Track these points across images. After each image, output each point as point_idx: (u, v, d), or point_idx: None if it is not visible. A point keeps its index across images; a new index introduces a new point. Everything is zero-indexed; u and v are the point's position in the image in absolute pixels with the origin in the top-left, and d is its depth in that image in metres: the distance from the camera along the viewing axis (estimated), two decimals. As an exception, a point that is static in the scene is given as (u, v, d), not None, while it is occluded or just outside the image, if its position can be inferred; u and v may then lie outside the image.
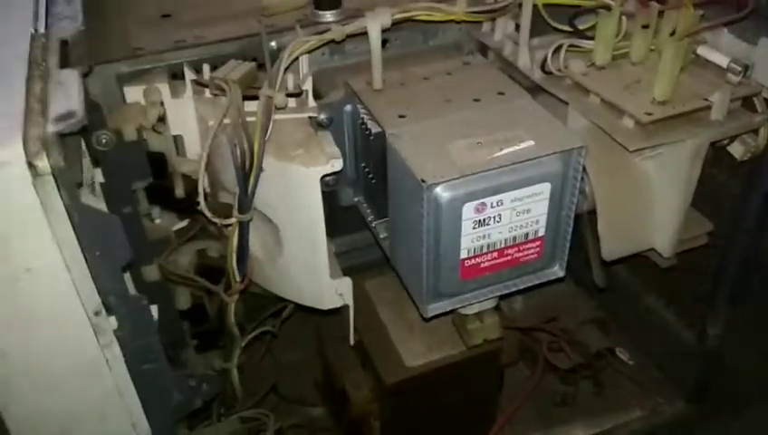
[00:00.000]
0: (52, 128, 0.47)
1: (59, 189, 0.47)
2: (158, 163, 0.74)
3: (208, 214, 0.65)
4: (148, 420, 0.61)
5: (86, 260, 0.51)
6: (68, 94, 0.51)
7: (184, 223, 0.80)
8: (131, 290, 0.56)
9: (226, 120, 0.63)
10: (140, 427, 0.61)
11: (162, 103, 0.71)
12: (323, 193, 0.83)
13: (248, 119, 0.66)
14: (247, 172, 0.63)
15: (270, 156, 0.67)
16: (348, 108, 0.77)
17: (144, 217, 0.77)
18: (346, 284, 0.76)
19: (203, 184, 0.68)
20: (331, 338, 0.92)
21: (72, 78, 0.54)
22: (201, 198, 0.64)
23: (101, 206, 0.62)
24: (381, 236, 0.78)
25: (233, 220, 0.65)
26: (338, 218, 0.90)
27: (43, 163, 0.46)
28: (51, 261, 0.50)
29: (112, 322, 0.55)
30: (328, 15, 0.78)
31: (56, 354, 0.54)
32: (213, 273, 0.78)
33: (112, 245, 0.51)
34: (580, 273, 1.07)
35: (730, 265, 0.86)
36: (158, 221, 0.79)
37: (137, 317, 0.55)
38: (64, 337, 0.54)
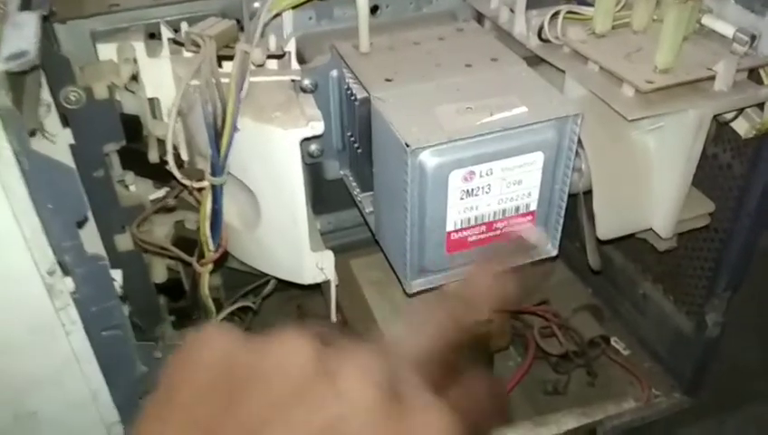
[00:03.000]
0: (0, 66, 0.44)
1: (6, 133, 0.43)
2: (133, 126, 0.70)
3: (178, 174, 0.61)
4: (110, 391, 0.58)
5: (38, 214, 0.47)
6: (23, 35, 0.47)
7: (161, 192, 0.77)
8: (95, 251, 0.52)
9: (200, 77, 0.59)
10: (101, 397, 0.57)
11: (136, 61, 0.68)
12: (308, 165, 0.80)
13: (225, 79, 0.62)
14: (220, 131, 0.59)
15: (247, 117, 0.63)
16: (334, 73, 0.73)
17: (118, 183, 0.74)
18: (328, 257, 0.72)
19: (175, 146, 0.64)
20: (314, 317, 0.89)
21: (30, 20, 0.50)
22: (169, 157, 0.60)
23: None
24: (367, 211, 0.75)
25: (205, 183, 0.61)
26: (324, 194, 0.86)
27: (-12, 103, 0.42)
28: (-1, 213, 0.46)
29: (69, 283, 0.51)
30: (315, -25, 0.75)
31: (7, 315, 0.51)
32: (191, 246, 0.75)
33: (66, 196, 0.47)
34: (575, 259, 1.04)
35: (731, 249, 0.82)
36: (132, 188, 0.76)
37: (95, 279, 0.51)
38: (16, 297, 0.50)
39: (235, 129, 0.60)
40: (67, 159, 0.66)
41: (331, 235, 0.91)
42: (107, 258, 0.51)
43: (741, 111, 0.72)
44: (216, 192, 0.62)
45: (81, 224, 0.49)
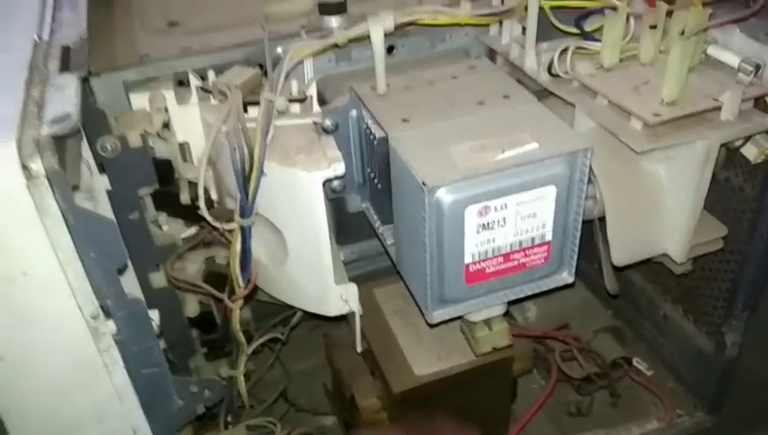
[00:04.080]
0: (46, 130, 0.48)
1: (53, 192, 0.47)
2: (164, 169, 0.74)
3: (209, 217, 0.65)
4: (150, 425, 0.61)
5: (82, 263, 0.51)
6: (64, 98, 0.52)
7: (192, 230, 0.81)
8: (134, 294, 0.55)
9: (228, 125, 0.63)
10: (141, 431, 0.60)
11: (167, 110, 0.72)
12: (331, 200, 0.83)
13: (251, 124, 0.66)
14: (248, 176, 0.63)
15: (272, 161, 0.67)
16: (353, 113, 0.76)
17: (151, 223, 0.78)
18: (351, 290, 0.76)
19: (205, 188, 0.68)
20: (340, 345, 0.91)
21: (70, 82, 0.54)
22: (201, 202, 0.64)
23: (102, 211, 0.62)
24: (388, 243, 0.78)
25: (234, 225, 0.65)
26: (347, 226, 0.89)
27: (36, 165, 0.46)
28: (46, 264, 0.50)
29: (111, 326, 0.54)
30: (333, 21, 0.78)
31: (54, 358, 0.54)
32: (221, 281, 0.78)
33: (108, 247, 0.51)
34: (594, 281, 1.05)
35: (747, 271, 0.84)
36: (165, 228, 0.80)
37: (135, 321, 0.55)
38: (62, 340, 0.54)
39: (261, 174, 0.63)
40: (104, 204, 0.71)
41: (355, 264, 0.94)
42: (144, 301, 0.54)
43: (749, 137, 0.74)
44: (245, 233, 0.66)
45: (121, 271, 0.53)
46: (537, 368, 1.03)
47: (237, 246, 0.66)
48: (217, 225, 0.66)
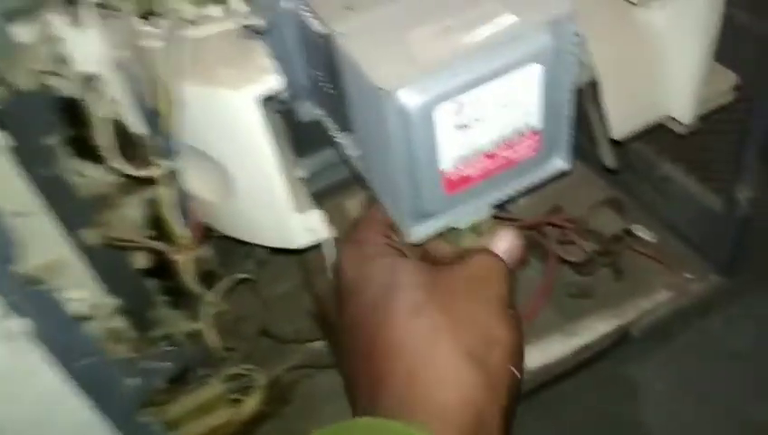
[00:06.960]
0: None
1: None
2: (73, 110, 0.62)
3: (121, 167, 0.53)
4: (104, 414, 0.52)
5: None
6: None
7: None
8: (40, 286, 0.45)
9: (123, 50, 0.50)
10: (92, 424, 0.52)
11: (58, 39, 0.58)
12: (280, 112, 0.71)
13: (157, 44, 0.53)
14: (161, 110, 0.51)
15: (191, 83, 0.54)
16: (287, 5, 0.63)
17: (73, 174, 0.66)
18: (316, 217, 0.65)
19: (124, 126, 0.56)
20: (318, 270, 0.82)
21: None
22: (108, 150, 0.52)
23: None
24: (348, 154, 0.67)
25: (158, 171, 0.53)
26: (307, 134, 0.78)
27: None
28: None
29: (25, 323, 0.44)
30: None
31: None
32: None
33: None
34: (585, 152, 0.96)
35: (760, 117, 0.74)
36: (93, 173, 0.68)
37: (49, 313, 0.45)
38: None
39: (175, 104, 0.51)
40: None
41: (322, 175, 0.84)
42: (52, 289, 0.44)
43: (758, -35, 0.62)
44: (174, 177, 0.54)
45: (10, 260, 0.42)
46: (532, 252, 0.95)
47: (167, 194, 0.55)
48: (138, 173, 0.54)
